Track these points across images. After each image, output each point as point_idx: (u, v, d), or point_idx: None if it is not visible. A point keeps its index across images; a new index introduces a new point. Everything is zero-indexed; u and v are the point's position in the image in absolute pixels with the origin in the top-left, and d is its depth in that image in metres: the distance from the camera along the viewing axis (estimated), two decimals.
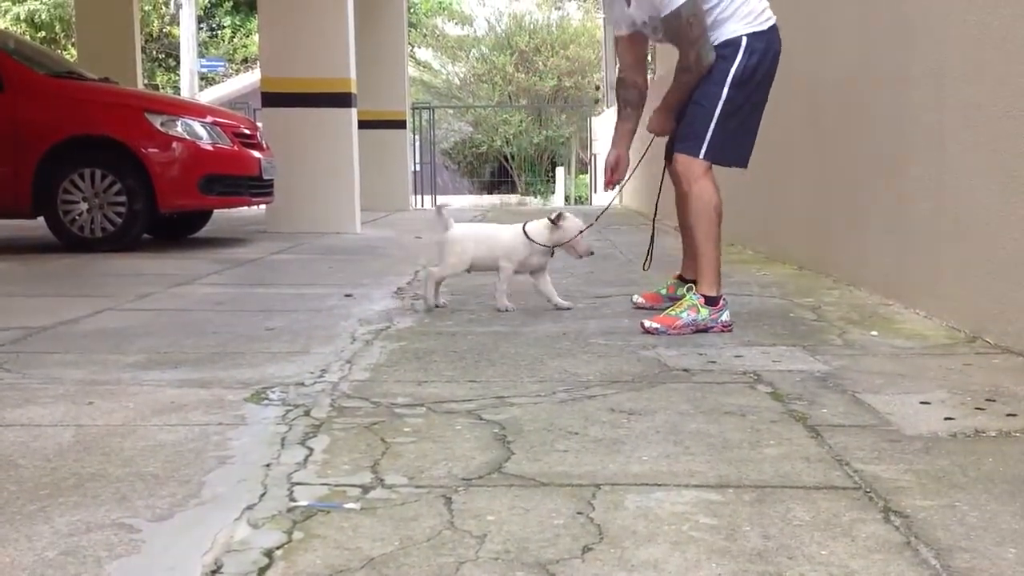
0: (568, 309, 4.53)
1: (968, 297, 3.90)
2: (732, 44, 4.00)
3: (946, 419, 2.65)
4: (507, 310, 4.44)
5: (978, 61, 3.84)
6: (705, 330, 3.95)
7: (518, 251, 4.48)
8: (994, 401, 2.83)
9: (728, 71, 3.99)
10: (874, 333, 3.92)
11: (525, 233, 4.47)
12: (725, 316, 4.01)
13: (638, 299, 4.63)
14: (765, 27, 4.04)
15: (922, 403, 2.82)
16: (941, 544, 1.81)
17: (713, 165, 4.11)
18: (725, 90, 3.99)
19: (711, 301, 3.99)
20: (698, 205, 4.09)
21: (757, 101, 4.11)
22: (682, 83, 4.11)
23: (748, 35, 4.00)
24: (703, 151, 4.05)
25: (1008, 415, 2.69)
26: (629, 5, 4.18)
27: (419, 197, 18.68)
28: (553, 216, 4.49)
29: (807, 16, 6.13)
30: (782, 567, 1.71)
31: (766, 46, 4.03)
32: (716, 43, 4.00)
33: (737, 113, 4.04)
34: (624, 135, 4.46)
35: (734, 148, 4.13)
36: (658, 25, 4.11)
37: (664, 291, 4.58)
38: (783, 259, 6.49)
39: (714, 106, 4.02)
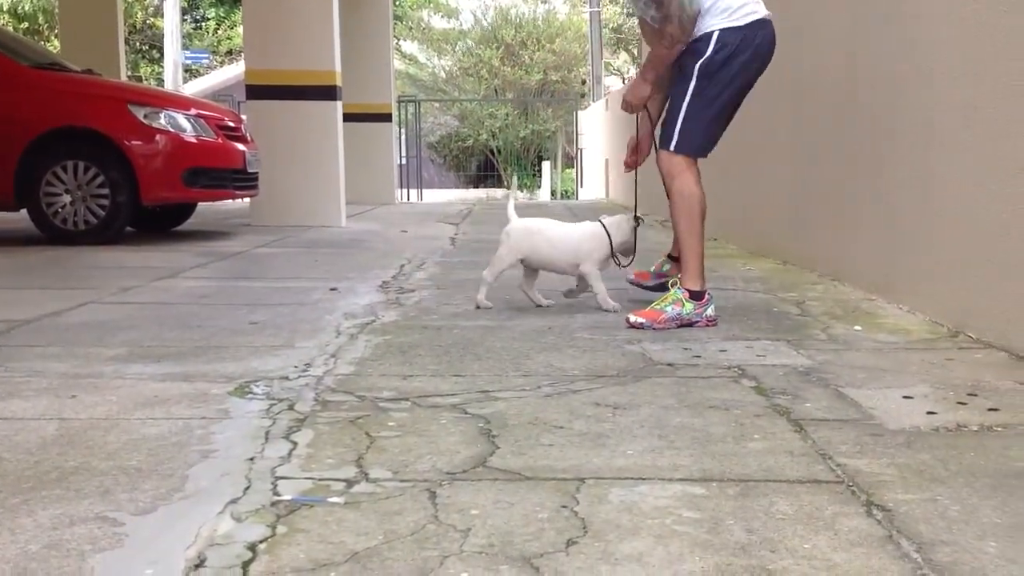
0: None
1: (950, 292, 3.92)
2: (704, 39, 4.04)
3: (928, 413, 2.66)
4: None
5: (966, 59, 3.85)
6: (690, 324, 3.96)
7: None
8: (976, 395, 2.85)
9: (695, 64, 4.05)
10: (857, 328, 3.94)
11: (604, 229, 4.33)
12: (710, 311, 4.02)
13: (630, 276, 4.70)
14: (741, 23, 4.05)
15: (905, 397, 2.83)
16: (923, 537, 1.82)
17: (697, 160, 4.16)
18: (692, 82, 4.05)
19: (695, 295, 4.01)
20: (679, 200, 4.13)
21: (730, 94, 4.14)
22: (667, 35, 4.06)
23: (720, 30, 4.03)
24: (674, 144, 4.11)
25: (990, 409, 2.70)
26: None
27: (404, 191, 18.65)
28: (636, 216, 4.39)
29: (795, 11, 6.14)
30: (765, 560, 1.71)
31: (740, 41, 4.04)
32: (692, 39, 4.06)
33: (709, 106, 4.08)
34: (647, 119, 4.48)
35: (702, 138, 4.16)
36: None
37: (652, 268, 4.70)
38: (767, 254, 6.50)
39: (683, 100, 4.09)
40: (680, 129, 4.09)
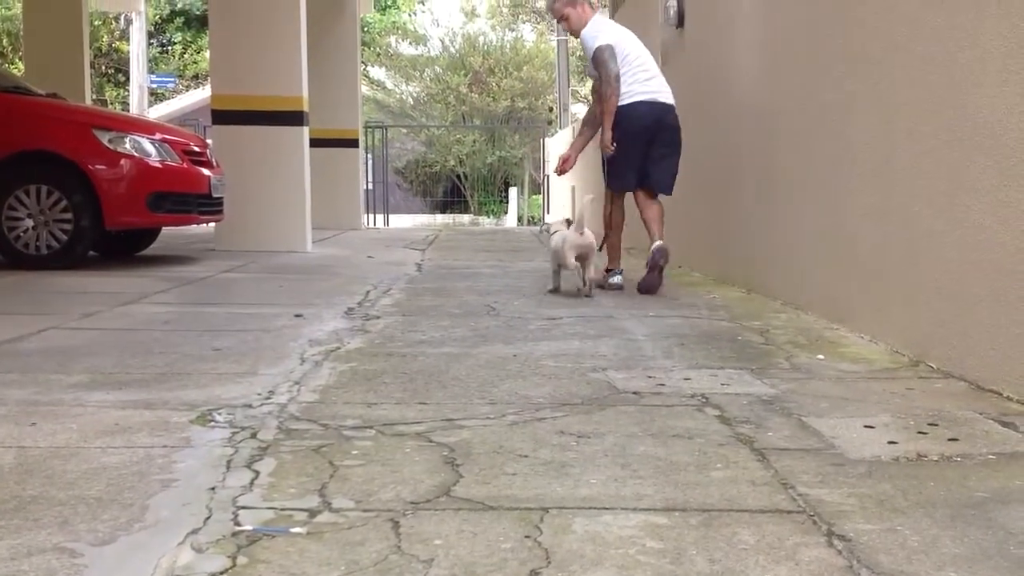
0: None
1: (911, 322, 3.96)
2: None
3: (889, 443, 2.69)
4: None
5: (923, 90, 3.92)
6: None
7: None
8: (936, 425, 2.87)
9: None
10: (820, 357, 3.97)
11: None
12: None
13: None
14: (626, 102, 6.09)
15: (866, 427, 2.85)
16: (883, 568, 1.83)
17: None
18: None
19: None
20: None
21: (623, 150, 6.10)
22: (607, 92, 6.12)
23: (619, 107, 6.08)
24: (606, 183, 6.34)
25: (950, 439, 2.73)
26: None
27: (371, 216, 18.62)
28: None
29: (755, 45, 6.22)
30: None
31: (624, 115, 6.08)
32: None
33: (614, 159, 6.18)
34: (579, 145, 6.70)
35: (617, 180, 6.28)
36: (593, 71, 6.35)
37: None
38: (732, 282, 6.55)
39: (603, 157, 6.28)
40: (607, 174, 6.29)
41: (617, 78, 6.05)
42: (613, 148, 6.12)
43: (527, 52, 28.83)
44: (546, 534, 1.97)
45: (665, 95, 6.19)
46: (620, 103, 6.05)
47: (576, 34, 6.45)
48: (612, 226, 6.31)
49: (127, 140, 7.46)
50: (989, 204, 3.39)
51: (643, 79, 6.16)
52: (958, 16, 3.63)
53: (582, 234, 5.57)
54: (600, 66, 6.12)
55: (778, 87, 5.74)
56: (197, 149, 8.24)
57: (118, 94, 29.59)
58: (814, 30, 5.20)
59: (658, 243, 5.95)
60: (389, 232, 14.85)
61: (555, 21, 6.59)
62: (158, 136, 7.81)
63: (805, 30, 5.35)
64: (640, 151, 6.10)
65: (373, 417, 2.91)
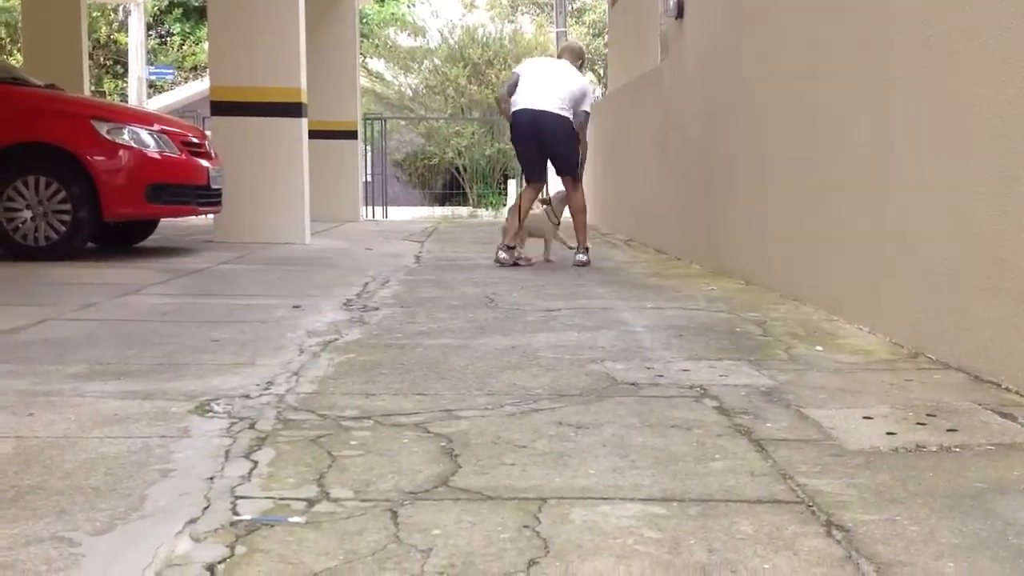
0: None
1: (910, 313, 3.96)
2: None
3: (888, 434, 2.69)
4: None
5: (921, 80, 3.91)
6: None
7: None
8: (935, 416, 2.87)
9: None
10: (819, 348, 3.97)
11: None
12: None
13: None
14: (513, 110, 7.54)
15: (865, 418, 2.85)
16: (881, 558, 1.83)
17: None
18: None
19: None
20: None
21: (521, 149, 7.74)
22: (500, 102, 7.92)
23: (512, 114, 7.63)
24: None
25: (948, 430, 2.73)
26: None
27: (370, 208, 18.60)
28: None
29: (753, 37, 6.21)
30: None
31: (512, 123, 7.63)
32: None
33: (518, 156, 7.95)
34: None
35: (525, 171, 7.85)
36: None
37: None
38: (730, 274, 6.55)
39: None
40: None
41: (501, 97, 7.78)
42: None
43: (526, 44, 28.73)
44: (544, 524, 1.97)
45: (541, 104, 7.46)
46: (512, 110, 7.60)
47: None
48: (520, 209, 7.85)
49: (125, 131, 7.45)
50: (988, 195, 3.38)
51: (525, 93, 7.55)
52: (959, 4, 3.62)
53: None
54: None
55: (776, 79, 5.73)
56: (196, 140, 8.23)
57: (117, 86, 29.53)
58: (813, 21, 5.19)
59: (582, 257, 7.58)
60: (388, 224, 14.84)
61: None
62: (156, 127, 7.80)
63: (804, 21, 5.34)
64: (530, 148, 7.64)
65: (371, 408, 2.91)
